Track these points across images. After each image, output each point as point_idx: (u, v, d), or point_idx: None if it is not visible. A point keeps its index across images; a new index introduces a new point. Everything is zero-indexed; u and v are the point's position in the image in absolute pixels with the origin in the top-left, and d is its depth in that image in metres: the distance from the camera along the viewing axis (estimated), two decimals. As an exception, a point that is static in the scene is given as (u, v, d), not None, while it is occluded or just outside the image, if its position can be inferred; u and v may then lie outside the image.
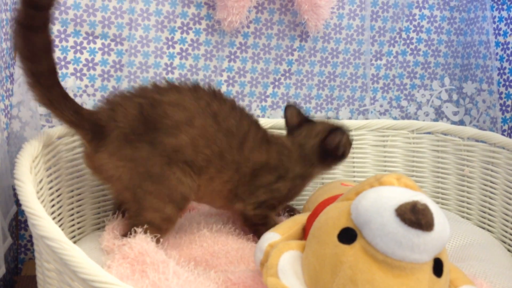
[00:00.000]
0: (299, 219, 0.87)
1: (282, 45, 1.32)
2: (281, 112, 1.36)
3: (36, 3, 0.78)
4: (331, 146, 1.04)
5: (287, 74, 1.34)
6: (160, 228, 0.90)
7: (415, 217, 0.67)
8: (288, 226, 0.85)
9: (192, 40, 1.26)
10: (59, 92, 0.86)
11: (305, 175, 1.06)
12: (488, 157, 1.18)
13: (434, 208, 0.70)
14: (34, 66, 0.83)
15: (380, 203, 0.71)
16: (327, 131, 1.04)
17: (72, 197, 1.05)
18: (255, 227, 1.02)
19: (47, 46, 0.83)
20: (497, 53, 1.30)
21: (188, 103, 0.92)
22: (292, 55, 1.33)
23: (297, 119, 1.11)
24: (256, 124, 1.02)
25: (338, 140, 1.04)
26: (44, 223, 0.68)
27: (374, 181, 0.78)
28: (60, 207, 1.00)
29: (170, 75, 1.26)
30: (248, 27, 1.29)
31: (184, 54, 1.26)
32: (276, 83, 1.34)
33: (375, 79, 1.39)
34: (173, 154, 0.89)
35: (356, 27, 1.35)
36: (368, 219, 0.70)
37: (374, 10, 1.35)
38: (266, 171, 1.00)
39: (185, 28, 1.25)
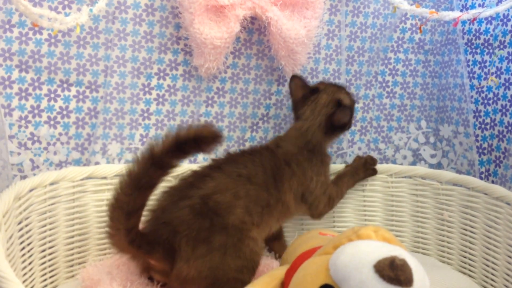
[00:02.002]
0: (277, 274, 0.85)
1: (260, 89, 1.32)
2: (259, 156, 1.35)
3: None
4: (339, 123, 1.16)
5: (265, 118, 1.34)
6: None
7: (394, 273, 0.67)
8: (266, 281, 0.83)
9: (169, 86, 1.25)
10: (139, 235, 0.92)
11: (322, 153, 1.17)
12: (466, 201, 1.18)
13: (412, 262, 0.69)
14: (130, 222, 0.90)
15: (358, 259, 0.70)
16: (333, 106, 1.15)
17: (44, 250, 1.02)
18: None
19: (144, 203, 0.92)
20: (472, 96, 1.31)
21: (226, 183, 1.01)
22: (270, 99, 1.33)
23: (301, 91, 1.20)
24: (265, 153, 1.12)
25: (346, 118, 1.16)
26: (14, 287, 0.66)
27: (352, 234, 0.77)
28: (32, 261, 0.97)
29: (146, 121, 1.25)
30: (226, 72, 1.29)
31: (161, 100, 1.25)
32: (254, 127, 1.34)
33: (353, 121, 1.40)
34: (238, 228, 0.98)
35: (332, 71, 1.36)
36: (347, 276, 0.69)
37: (350, 54, 1.36)
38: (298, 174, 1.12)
39: (161, 74, 1.24)
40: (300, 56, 1.25)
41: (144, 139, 1.25)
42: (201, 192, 0.98)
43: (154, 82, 1.24)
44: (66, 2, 1.13)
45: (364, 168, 1.30)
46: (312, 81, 1.35)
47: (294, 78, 1.21)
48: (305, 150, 1.15)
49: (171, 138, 0.86)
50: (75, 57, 1.16)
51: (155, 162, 0.87)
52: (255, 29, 1.28)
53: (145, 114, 1.24)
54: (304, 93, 1.20)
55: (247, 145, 1.34)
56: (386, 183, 1.31)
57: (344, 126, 1.18)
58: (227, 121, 1.31)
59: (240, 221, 0.99)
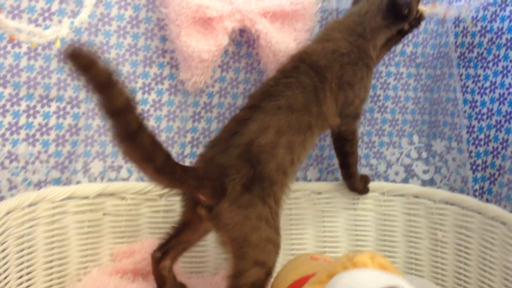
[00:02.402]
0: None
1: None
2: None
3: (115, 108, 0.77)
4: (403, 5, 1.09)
5: (254, 134, 1.30)
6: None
7: (393, 304, 0.63)
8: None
9: (154, 100, 1.21)
10: (179, 169, 0.88)
11: (369, 55, 1.11)
12: (460, 220, 1.15)
13: (411, 292, 0.66)
14: (154, 163, 0.83)
15: (355, 290, 0.66)
16: None
17: (22, 276, 0.97)
18: (343, 145, 1.17)
19: (153, 139, 0.83)
20: (465, 111, 1.29)
21: (268, 120, 0.97)
22: (259, 114, 1.29)
23: None
24: (302, 66, 1.06)
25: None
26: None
27: (347, 261, 0.73)
28: (7, 289, 0.91)
29: (130, 137, 1.20)
30: (213, 86, 1.24)
31: (145, 115, 1.20)
32: (243, 143, 1.29)
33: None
34: (278, 175, 0.96)
35: (323, 85, 1.32)
36: (343, 308, 0.65)
37: (341, 68, 1.33)
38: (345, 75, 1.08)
39: (146, 88, 1.20)
40: (290, 69, 1.21)
41: (128, 156, 1.20)
42: (245, 139, 0.95)
43: (138, 96, 1.19)
44: (46, 14, 1.08)
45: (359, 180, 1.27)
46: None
47: None
48: (356, 48, 1.10)
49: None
50: (55, 71, 1.11)
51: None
52: (243, 42, 1.24)
53: (129, 130, 1.20)
54: None
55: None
56: (378, 201, 1.28)
57: (407, 13, 1.11)
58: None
59: (277, 169, 0.96)
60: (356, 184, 1.25)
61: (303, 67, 1.05)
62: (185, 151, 1.25)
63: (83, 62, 0.72)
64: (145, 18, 1.16)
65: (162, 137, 1.22)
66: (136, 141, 0.80)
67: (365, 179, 1.27)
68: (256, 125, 0.97)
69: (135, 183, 1.18)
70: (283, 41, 1.14)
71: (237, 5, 1.10)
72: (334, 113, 1.07)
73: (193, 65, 1.12)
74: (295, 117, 0.99)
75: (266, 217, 0.93)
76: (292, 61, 1.09)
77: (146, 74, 1.19)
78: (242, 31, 1.20)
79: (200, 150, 1.25)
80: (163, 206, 1.19)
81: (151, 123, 1.21)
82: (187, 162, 1.25)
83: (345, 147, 1.18)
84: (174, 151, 1.24)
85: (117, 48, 1.15)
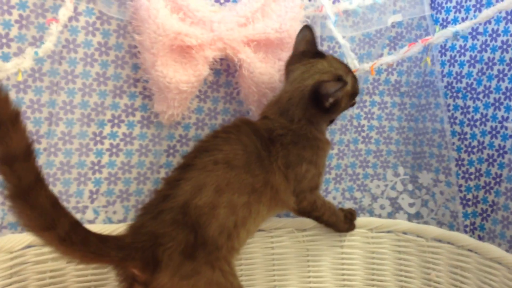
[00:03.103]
0: None
1: (227, 136, 1.18)
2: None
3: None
4: (324, 95, 0.95)
5: (232, 168, 1.20)
6: None
7: None
8: None
9: (124, 134, 1.09)
10: (95, 239, 0.76)
11: (312, 137, 0.99)
12: (455, 260, 1.09)
13: None
14: (57, 231, 0.71)
15: None
16: (329, 77, 0.98)
17: None
18: (310, 216, 1.07)
19: (54, 200, 0.71)
20: (453, 143, 1.23)
21: (203, 178, 0.87)
22: (238, 146, 1.20)
23: (305, 46, 1.02)
24: (243, 127, 0.96)
25: (334, 90, 0.94)
26: None
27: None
28: None
29: (97, 175, 1.08)
30: (190, 117, 1.14)
31: (114, 150, 1.09)
32: (220, 177, 1.19)
33: (327, 169, 1.28)
34: (216, 245, 0.85)
35: (305, 115, 1.24)
36: None
37: (324, 97, 1.25)
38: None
39: (116, 121, 1.08)
40: (273, 100, 1.12)
41: (94, 196, 1.08)
42: (179, 201, 0.85)
43: (107, 130, 1.08)
44: (4, 40, 0.95)
45: (343, 222, 1.16)
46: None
47: (305, 28, 1.02)
48: (291, 132, 0.97)
49: None
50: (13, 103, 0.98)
51: None
52: (222, 70, 1.15)
53: (96, 167, 1.08)
54: (306, 49, 1.01)
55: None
56: (366, 238, 1.20)
57: (330, 105, 0.97)
58: (191, 172, 1.16)
59: (220, 232, 0.86)
60: (340, 227, 1.16)
61: (245, 128, 0.95)
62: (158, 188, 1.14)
63: None
64: (115, 45, 1.05)
65: (133, 174, 1.11)
66: (31, 199, 0.67)
67: (350, 216, 1.18)
68: (190, 184, 0.87)
69: (103, 226, 1.06)
70: (266, 72, 1.06)
71: (219, 32, 1.01)
72: (285, 188, 0.97)
73: (169, 97, 1.02)
74: (235, 174, 0.89)
75: (218, 281, 0.84)
76: (234, 121, 0.99)
77: (116, 105, 1.08)
78: (221, 59, 1.10)
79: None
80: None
81: (120, 159, 1.10)
82: (160, 201, 1.14)
83: (311, 216, 1.08)
84: (146, 188, 1.13)
85: (83, 77, 1.03)
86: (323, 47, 1.21)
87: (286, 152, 0.96)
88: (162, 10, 0.96)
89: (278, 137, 0.97)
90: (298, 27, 1.07)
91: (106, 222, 1.10)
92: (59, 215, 0.71)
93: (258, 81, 1.06)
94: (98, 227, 1.04)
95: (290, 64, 1.02)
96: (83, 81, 1.03)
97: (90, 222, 1.09)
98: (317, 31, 1.18)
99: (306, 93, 0.97)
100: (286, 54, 1.08)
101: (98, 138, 1.07)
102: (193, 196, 0.85)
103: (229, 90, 1.16)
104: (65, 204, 1.02)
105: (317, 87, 0.95)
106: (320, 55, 1.02)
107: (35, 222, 0.69)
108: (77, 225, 0.74)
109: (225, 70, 1.14)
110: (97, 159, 1.08)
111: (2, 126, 0.64)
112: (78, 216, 1.05)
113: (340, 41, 1.12)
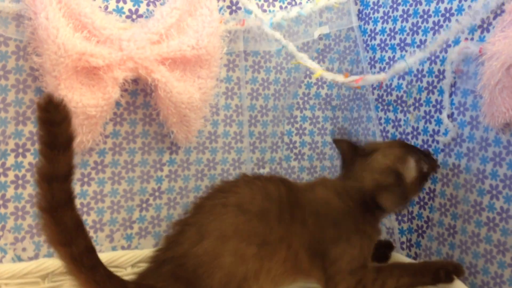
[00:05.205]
0: None
1: (149, 160, 1.10)
2: (151, 239, 1.12)
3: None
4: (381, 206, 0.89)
5: (157, 194, 1.12)
6: None
7: None
8: None
9: (30, 164, 0.99)
10: (103, 270, 0.76)
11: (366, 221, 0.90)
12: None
13: None
14: (71, 249, 0.73)
15: None
16: (387, 177, 0.90)
17: None
18: None
19: (78, 222, 0.74)
20: (386, 158, 1.19)
21: (207, 223, 0.80)
22: (162, 170, 1.12)
23: (350, 155, 0.98)
24: (275, 180, 0.89)
25: (389, 203, 0.88)
26: None
27: None
28: None
29: (2, 210, 0.98)
30: (105, 142, 1.05)
31: (20, 182, 0.99)
32: (144, 205, 1.11)
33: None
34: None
35: (233, 134, 1.17)
36: None
37: (252, 114, 1.19)
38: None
39: (20, 150, 0.98)
40: (195, 122, 1.05)
41: (0, 233, 0.98)
42: (180, 250, 0.80)
43: (10, 161, 0.98)
44: None
45: (435, 276, 0.91)
46: (211, 146, 1.15)
47: (339, 141, 1.01)
48: (350, 205, 0.89)
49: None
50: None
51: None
52: (139, 90, 1.06)
53: (0, 202, 0.98)
54: (352, 155, 0.97)
55: (136, 227, 1.11)
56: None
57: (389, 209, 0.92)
58: (109, 201, 1.08)
59: (226, 282, 0.78)
60: (423, 281, 0.91)
61: (278, 182, 0.87)
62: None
63: (59, 115, 0.66)
64: (15, 68, 0.95)
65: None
66: (58, 215, 0.71)
67: (454, 269, 0.92)
68: (193, 230, 0.80)
69: (10, 265, 0.96)
70: (185, 91, 0.98)
71: (129, 51, 0.92)
72: (308, 257, 0.86)
73: (77, 123, 0.93)
74: (245, 220, 0.81)
75: None
76: (271, 175, 0.93)
77: (20, 133, 0.98)
78: (135, 79, 1.02)
79: (90, 216, 1.06)
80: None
81: (27, 191, 1.00)
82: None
83: None
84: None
85: (-21, 104, 0.93)
86: (247, 62, 1.15)
87: (320, 227, 0.87)
88: (62, 29, 0.87)
89: (325, 206, 0.89)
90: (217, 43, 1.01)
91: (14, 261, 1.00)
92: (78, 236, 0.73)
93: (177, 101, 0.99)
94: (4, 267, 0.95)
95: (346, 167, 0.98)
96: (-21, 108, 0.93)
97: (-4, 262, 0.98)
98: (240, 47, 1.12)
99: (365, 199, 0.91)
100: (206, 71, 1.01)
101: (0, 170, 0.97)
102: (194, 243, 0.79)
103: (148, 111, 1.08)
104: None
105: (374, 197, 0.89)
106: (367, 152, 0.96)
107: (56, 236, 0.72)
108: (91, 251, 0.75)
109: (142, 90, 1.06)
110: (0, 193, 0.97)
111: (56, 149, 0.68)
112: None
113: (283, 42, 1.07)
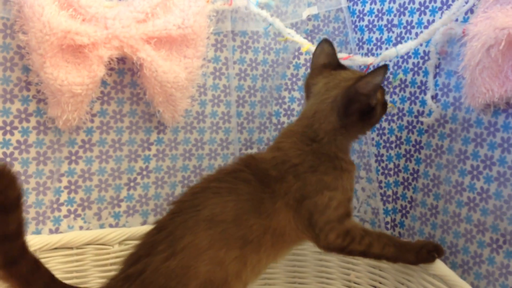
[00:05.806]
0: None
1: (136, 139, 1.11)
2: (139, 218, 1.14)
3: None
4: (362, 100, 0.87)
5: (145, 173, 1.13)
6: None
7: None
8: None
9: (18, 141, 1.01)
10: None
11: (337, 157, 0.90)
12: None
13: None
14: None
15: None
16: (356, 81, 0.86)
17: None
18: (351, 252, 0.89)
19: (33, 268, 0.79)
20: (373, 138, 1.20)
21: (177, 240, 0.80)
22: (149, 150, 1.13)
23: (325, 59, 0.95)
24: (243, 171, 0.88)
25: (370, 88, 0.86)
26: None
27: None
28: None
29: (-10, 187, 0.99)
30: (92, 121, 1.06)
31: (8, 159, 1.00)
32: (132, 183, 1.12)
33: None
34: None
35: (221, 114, 1.18)
36: None
37: (240, 95, 1.20)
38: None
39: (8, 128, 0.99)
40: (181, 101, 1.06)
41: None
42: (150, 267, 0.79)
43: (-2, 138, 0.99)
44: None
45: (418, 253, 0.93)
46: (199, 126, 1.16)
47: (324, 42, 0.97)
48: (310, 155, 0.88)
49: None
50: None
51: None
52: (126, 69, 1.07)
53: (-12, 179, 0.99)
54: (326, 62, 0.95)
55: (123, 206, 1.12)
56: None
57: (368, 109, 0.89)
58: (97, 179, 1.09)
59: (206, 285, 0.78)
60: (405, 258, 0.93)
61: (245, 173, 0.87)
62: (60, 198, 1.06)
63: (3, 182, 0.70)
64: (3, 45, 0.96)
65: (31, 183, 1.03)
66: (14, 269, 0.76)
67: (434, 248, 0.94)
68: (164, 245, 0.80)
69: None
70: (171, 71, 0.99)
71: (114, 30, 0.93)
72: (295, 227, 0.87)
73: (63, 101, 0.94)
74: (221, 230, 0.81)
75: None
76: (235, 163, 0.91)
77: (7, 111, 0.99)
78: (125, 57, 1.03)
79: (78, 194, 1.07)
80: None
81: (16, 168, 1.01)
82: (63, 210, 1.06)
83: (352, 253, 0.90)
84: (47, 199, 1.05)
85: (-34, 82, 0.94)
86: (235, 42, 1.16)
87: (301, 183, 0.87)
88: (48, 7, 0.88)
89: (291, 169, 0.88)
90: (203, 22, 1.02)
91: None
92: (37, 280, 0.80)
93: (163, 81, 1.00)
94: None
95: (310, 79, 0.95)
96: (-35, 86, 0.94)
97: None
98: (228, 26, 1.12)
99: (337, 107, 0.88)
100: (192, 51, 1.02)
101: (-12, 147, 0.98)
102: (164, 259, 0.79)
103: (135, 90, 1.09)
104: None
105: (353, 90, 0.86)
106: (342, 67, 0.96)
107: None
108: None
109: (129, 70, 1.07)
110: (-12, 170, 0.99)
111: (5, 213, 0.72)
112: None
113: (269, 19, 1.09)
